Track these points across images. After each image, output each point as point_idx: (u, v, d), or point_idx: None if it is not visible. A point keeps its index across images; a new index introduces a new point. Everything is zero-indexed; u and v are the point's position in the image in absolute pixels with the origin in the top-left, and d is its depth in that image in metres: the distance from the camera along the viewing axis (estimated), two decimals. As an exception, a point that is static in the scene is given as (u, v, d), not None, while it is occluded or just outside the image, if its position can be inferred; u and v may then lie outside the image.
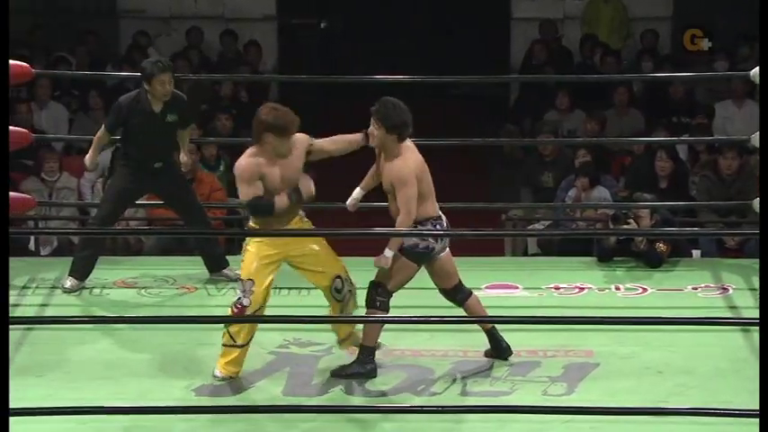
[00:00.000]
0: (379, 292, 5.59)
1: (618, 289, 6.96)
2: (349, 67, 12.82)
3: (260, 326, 5.93)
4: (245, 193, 5.47)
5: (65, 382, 5.62)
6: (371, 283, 5.63)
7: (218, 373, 5.64)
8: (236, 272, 6.98)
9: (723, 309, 6.60)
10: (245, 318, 5.56)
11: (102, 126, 6.84)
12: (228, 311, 5.63)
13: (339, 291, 5.70)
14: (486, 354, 5.84)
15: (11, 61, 7.13)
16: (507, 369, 5.75)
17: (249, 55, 11.79)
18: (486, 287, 6.89)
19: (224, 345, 5.63)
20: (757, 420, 4.90)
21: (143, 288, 6.95)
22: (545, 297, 6.80)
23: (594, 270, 7.25)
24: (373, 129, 5.58)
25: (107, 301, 6.77)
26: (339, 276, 5.69)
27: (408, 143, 5.63)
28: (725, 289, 6.92)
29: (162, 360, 5.88)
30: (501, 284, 6.96)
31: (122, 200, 6.90)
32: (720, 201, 8.09)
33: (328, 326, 5.98)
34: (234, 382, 5.61)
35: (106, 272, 7.05)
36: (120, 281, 7.05)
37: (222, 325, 5.68)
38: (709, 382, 5.61)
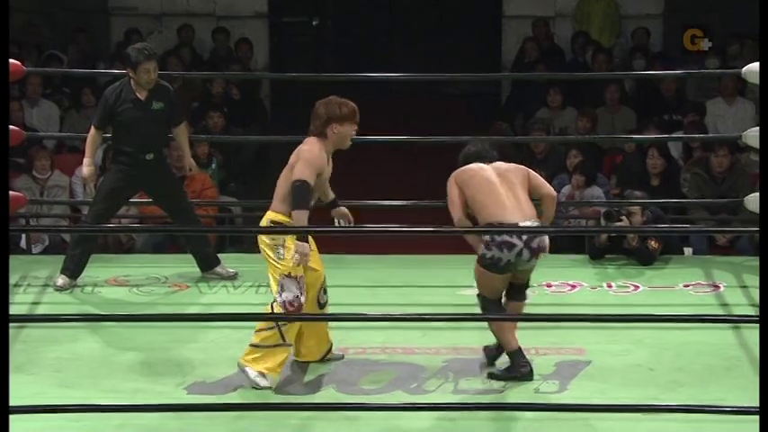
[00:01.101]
0: (481, 300, 5.65)
1: (610, 286, 6.98)
2: (341, 65, 12.84)
3: (250, 323, 5.94)
4: (308, 175, 5.41)
5: (57, 380, 5.62)
6: (478, 296, 5.68)
7: (259, 379, 5.47)
8: (229, 270, 7.01)
9: (714, 306, 6.62)
10: (219, 315, 5.56)
11: (92, 126, 6.83)
12: (278, 309, 5.49)
13: (326, 291, 5.71)
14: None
15: (3, 59, 7.10)
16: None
17: (241, 52, 11.78)
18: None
19: (270, 346, 5.47)
20: (748, 417, 4.91)
21: (135, 286, 6.95)
22: (537, 295, 6.78)
23: (586, 268, 7.27)
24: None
25: (99, 299, 6.77)
26: (325, 278, 5.71)
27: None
28: (716, 286, 6.93)
29: (154, 358, 5.88)
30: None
31: (115, 198, 6.90)
32: (711, 198, 8.11)
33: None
34: (226, 381, 5.60)
35: (98, 270, 7.04)
36: (112, 279, 7.05)
37: (261, 324, 5.52)
38: (701, 379, 5.63)
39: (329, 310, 5.81)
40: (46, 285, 6.87)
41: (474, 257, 5.61)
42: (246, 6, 12.46)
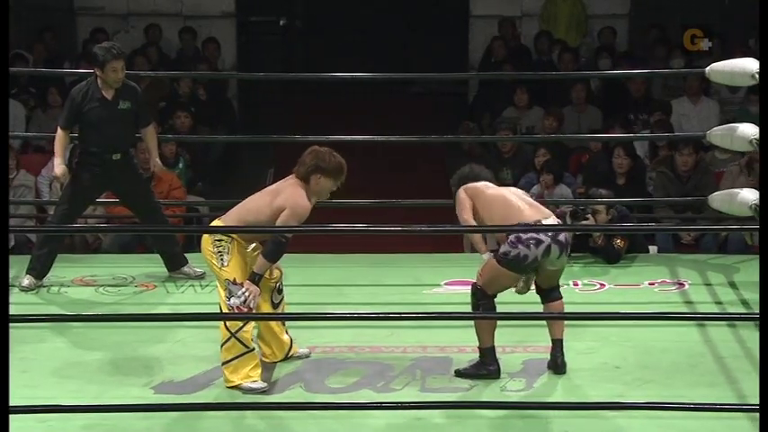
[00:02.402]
0: (480, 297, 5.63)
1: (576, 285, 7.01)
2: (308, 64, 12.84)
3: (219, 322, 5.93)
4: (289, 224, 5.41)
5: (22, 381, 5.58)
6: (473, 287, 5.66)
7: (252, 384, 5.47)
8: (196, 269, 7.00)
9: (680, 304, 6.66)
10: (186, 315, 5.58)
11: (59, 128, 6.79)
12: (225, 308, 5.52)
13: (280, 291, 5.71)
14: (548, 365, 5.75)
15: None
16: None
17: (208, 52, 11.75)
18: (446, 283, 6.92)
19: (236, 357, 5.46)
20: (712, 414, 4.97)
21: (101, 286, 6.93)
22: (504, 293, 6.80)
23: (553, 266, 7.28)
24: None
25: (65, 300, 6.74)
26: (281, 274, 5.72)
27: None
28: (681, 284, 6.98)
29: (121, 358, 5.86)
30: (460, 281, 6.98)
31: (81, 199, 6.87)
32: (677, 197, 8.16)
33: (287, 323, 5.97)
34: (193, 380, 5.60)
35: (64, 270, 7.01)
36: (79, 279, 7.02)
37: (221, 338, 5.51)
38: (666, 376, 5.66)
39: (287, 308, 5.81)
40: (11, 285, 6.83)
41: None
42: (213, 6, 12.43)
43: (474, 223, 5.70)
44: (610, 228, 7.53)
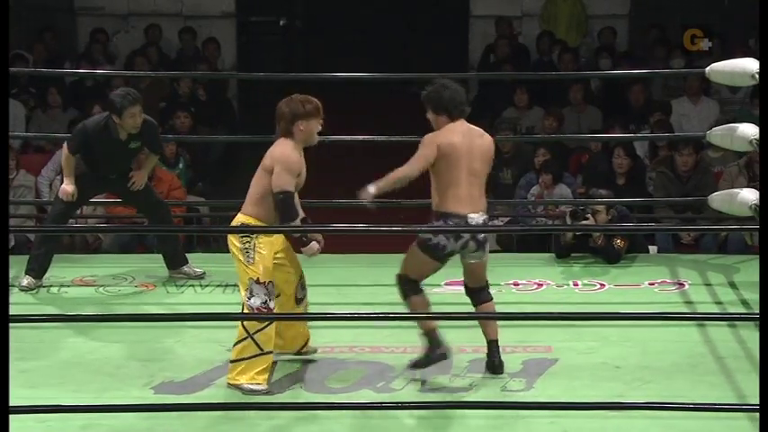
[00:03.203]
0: (404, 283, 5.62)
1: (576, 285, 7.01)
2: (308, 64, 12.84)
3: (219, 323, 5.94)
4: (289, 182, 5.41)
5: (22, 381, 5.58)
6: (396, 276, 5.64)
7: (254, 386, 5.48)
8: (196, 269, 6.99)
9: (680, 304, 6.66)
10: (186, 315, 5.59)
11: (66, 149, 6.78)
12: (245, 308, 5.50)
13: (304, 287, 5.71)
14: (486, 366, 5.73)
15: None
16: (466, 365, 5.77)
17: (208, 52, 11.76)
18: (446, 283, 6.91)
19: (249, 357, 5.46)
20: (713, 414, 4.97)
21: (101, 286, 6.93)
22: (504, 293, 6.83)
23: (553, 266, 7.30)
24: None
25: (65, 300, 6.74)
26: (303, 274, 5.72)
27: (464, 126, 5.63)
28: (681, 284, 6.98)
29: (120, 358, 5.86)
30: (460, 281, 6.96)
31: (76, 198, 6.86)
32: (677, 197, 8.16)
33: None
34: (193, 380, 5.60)
35: (64, 270, 7.01)
36: (79, 279, 7.02)
37: (236, 336, 5.50)
38: (666, 376, 5.66)
39: (309, 304, 5.81)
40: (11, 285, 6.83)
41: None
42: (214, 6, 12.43)
43: (405, 177, 5.50)
44: (610, 228, 7.53)
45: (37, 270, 6.83)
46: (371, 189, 5.48)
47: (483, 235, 5.61)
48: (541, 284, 7.00)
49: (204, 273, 6.98)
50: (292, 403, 5.39)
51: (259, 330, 5.45)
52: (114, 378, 5.64)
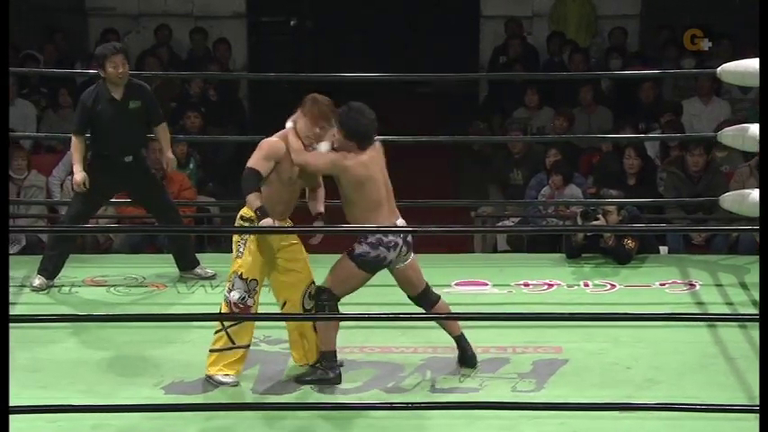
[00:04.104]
0: (325, 298, 5.55)
1: (586, 285, 7.00)
2: (318, 65, 12.84)
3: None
4: (256, 162, 5.44)
5: (33, 381, 5.60)
6: (317, 288, 5.59)
7: (222, 377, 5.53)
8: (207, 270, 7.00)
9: (690, 304, 6.65)
10: (196, 315, 5.72)
11: (73, 134, 6.79)
12: (224, 309, 5.56)
13: (312, 297, 5.64)
14: (459, 361, 5.76)
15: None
16: (476, 365, 5.77)
17: (219, 52, 11.77)
18: (456, 284, 6.92)
19: (220, 349, 5.53)
20: (723, 415, 4.96)
21: (112, 286, 6.94)
22: (514, 294, 6.83)
23: (563, 267, 7.29)
24: (334, 131, 5.53)
25: (76, 300, 6.75)
26: (313, 282, 5.67)
27: (373, 153, 5.56)
28: (692, 285, 6.97)
29: (131, 358, 5.87)
30: (470, 281, 6.99)
31: (93, 199, 6.88)
32: (687, 197, 8.15)
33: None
34: (203, 381, 5.60)
35: (75, 270, 7.02)
36: (90, 279, 7.03)
37: (214, 328, 5.57)
38: (677, 377, 5.65)
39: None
40: (23, 286, 6.85)
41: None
42: (224, 6, 12.44)
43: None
44: (620, 228, 7.52)
45: (50, 270, 6.84)
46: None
47: (410, 238, 5.56)
48: (552, 285, 7.00)
49: (215, 274, 6.98)
50: (302, 403, 5.39)
51: (233, 324, 5.52)
52: (125, 378, 5.66)
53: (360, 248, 5.47)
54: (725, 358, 5.83)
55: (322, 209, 5.69)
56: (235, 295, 5.49)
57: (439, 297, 5.73)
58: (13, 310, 6.52)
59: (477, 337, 5.95)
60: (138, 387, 5.55)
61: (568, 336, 6.05)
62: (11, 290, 6.76)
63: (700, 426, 5.06)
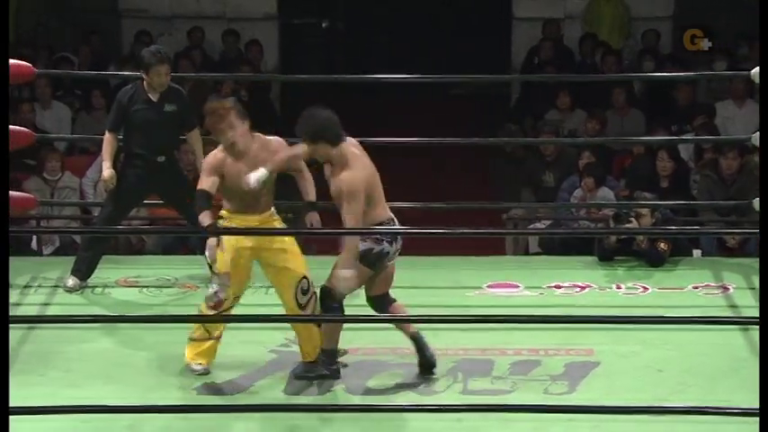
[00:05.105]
0: (331, 297, 5.55)
1: (619, 288, 6.98)
2: (350, 66, 12.85)
3: (260, 324, 5.96)
4: (200, 181, 5.64)
5: (67, 381, 5.64)
6: (322, 288, 5.58)
7: (196, 366, 5.68)
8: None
9: (724, 308, 6.62)
10: (239, 316, 5.72)
11: (106, 131, 6.84)
12: (202, 306, 5.66)
13: (305, 292, 5.66)
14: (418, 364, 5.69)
15: (12, 61, 7.15)
16: (508, 368, 5.77)
17: (251, 54, 11.80)
18: (488, 286, 6.91)
19: (197, 339, 5.69)
20: (756, 419, 4.91)
21: (145, 287, 6.97)
22: (546, 296, 6.81)
23: (595, 269, 7.26)
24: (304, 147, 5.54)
25: (109, 300, 6.79)
26: (306, 277, 5.67)
27: (353, 148, 5.54)
28: (725, 288, 6.93)
29: (164, 359, 5.89)
30: (502, 284, 6.98)
31: (126, 201, 6.91)
32: (721, 200, 8.11)
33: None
34: (235, 382, 5.62)
35: (108, 271, 7.06)
36: (122, 280, 7.06)
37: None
38: (710, 380, 5.63)
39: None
40: (56, 286, 6.89)
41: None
42: (256, 8, 12.48)
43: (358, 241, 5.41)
44: (652, 231, 7.48)
45: (83, 271, 6.88)
46: (347, 273, 5.38)
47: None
48: (584, 287, 6.97)
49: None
50: (333, 405, 5.40)
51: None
52: (157, 379, 5.68)
53: (363, 245, 5.45)
54: (758, 362, 5.78)
55: (312, 197, 5.73)
56: (209, 290, 5.62)
57: (394, 301, 5.67)
58: (48, 311, 6.57)
59: (509, 339, 5.95)
60: (170, 388, 5.58)
61: (600, 338, 6.03)
62: (45, 291, 6.82)
63: (732, 429, 5.02)
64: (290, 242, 5.67)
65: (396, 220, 5.61)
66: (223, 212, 5.66)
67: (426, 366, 5.66)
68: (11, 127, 7.21)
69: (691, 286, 6.95)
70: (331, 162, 5.48)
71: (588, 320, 5.93)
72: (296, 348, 5.84)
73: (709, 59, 10.73)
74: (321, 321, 5.65)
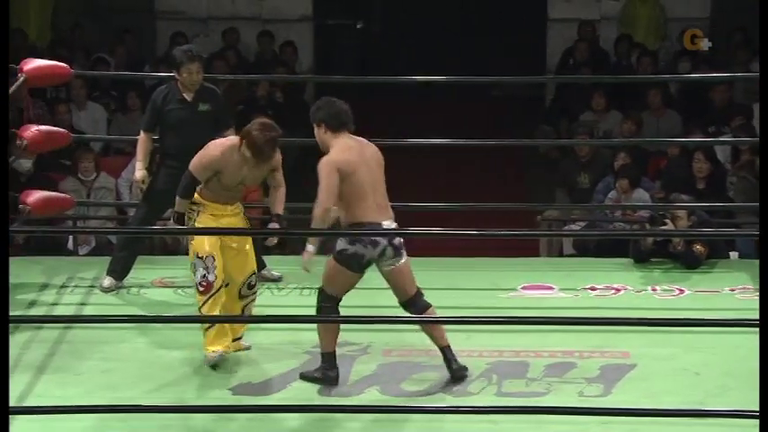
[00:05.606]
0: (322, 298, 5.57)
1: (654, 290, 6.94)
2: (385, 67, 12.85)
3: (296, 325, 5.96)
4: (195, 167, 5.76)
5: (103, 381, 5.66)
6: (318, 288, 5.61)
7: (211, 355, 5.71)
8: (274, 273, 7.03)
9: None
10: (254, 318, 5.89)
11: (141, 131, 6.87)
12: (196, 293, 5.74)
13: (251, 287, 5.84)
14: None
15: (50, 62, 7.20)
16: (543, 370, 5.75)
17: (285, 55, 11.83)
18: (522, 288, 6.89)
19: (205, 329, 5.77)
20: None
21: (180, 287, 6.98)
22: (581, 298, 6.78)
23: (631, 271, 7.22)
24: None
25: (145, 301, 6.81)
26: (255, 273, 5.87)
27: (352, 141, 5.59)
28: (763, 291, 6.87)
29: (199, 359, 5.90)
30: (537, 285, 6.95)
31: (160, 202, 6.92)
32: (758, 202, 8.04)
33: (363, 326, 5.99)
34: (270, 382, 5.63)
35: (144, 271, 7.08)
36: (158, 280, 7.08)
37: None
38: (748, 383, 5.56)
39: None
40: (92, 286, 6.92)
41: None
42: (292, 10, 12.51)
43: (331, 210, 5.46)
44: (688, 233, 7.43)
45: (119, 272, 6.91)
46: (310, 248, 5.48)
47: (399, 240, 5.50)
48: (619, 289, 6.94)
49: (282, 276, 7.01)
50: (368, 406, 5.39)
51: (204, 303, 5.72)
52: (193, 379, 5.70)
53: (339, 244, 5.47)
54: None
55: (280, 210, 5.87)
56: (197, 276, 5.68)
57: (428, 305, 5.63)
58: (84, 311, 6.61)
59: (544, 341, 5.92)
60: (206, 388, 5.59)
61: (636, 340, 5.99)
62: (81, 291, 6.86)
63: (771, 433, 4.98)
64: (249, 240, 5.89)
65: (385, 225, 5.48)
66: (197, 198, 5.79)
67: (456, 378, 5.62)
68: (50, 128, 7.29)
69: (727, 289, 6.90)
70: (328, 149, 5.58)
71: (624, 323, 5.90)
72: (336, 349, 5.81)
73: (747, 60, 10.66)
74: (337, 322, 5.64)
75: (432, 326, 5.61)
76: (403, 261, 5.57)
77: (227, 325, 5.77)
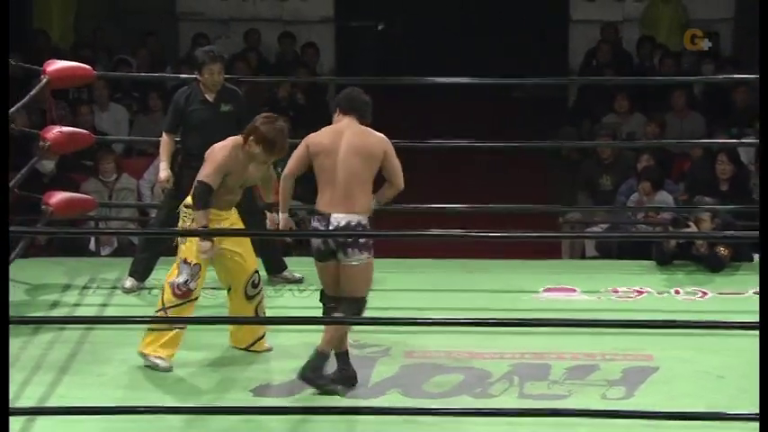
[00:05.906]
0: (321, 297, 5.58)
1: (678, 293, 6.90)
2: (406, 69, 12.83)
3: (315, 327, 5.94)
4: (207, 175, 5.66)
5: (125, 381, 5.67)
6: (321, 290, 5.60)
7: (155, 359, 5.69)
8: (295, 274, 7.03)
9: (785, 313, 6.51)
10: (259, 319, 5.89)
11: (163, 132, 6.88)
12: (167, 293, 5.70)
13: (256, 285, 5.85)
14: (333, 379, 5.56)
15: (74, 63, 7.21)
16: (565, 372, 5.72)
17: (307, 57, 11.83)
18: (544, 290, 6.87)
19: (158, 328, 5.71)
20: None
21: (201, 289, 6.97)
22: (603, 300, 6.76)
23: (654, 274, 7.20)
24: None
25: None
26: (257, 271, 5.87)
27: (344, 127, 5.60)
28: (787, 293, 6.82)
29: (220, 361, 5.91)
30: (559, 288, 6.93)
31: (180, 203, 6.93)
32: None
33: (384, 327, 5.98)
34: (291, 384, 5.61)
35: (165, 272, 7.08)
36: (179, 281, 7.08)
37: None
38: (771, 387, 5.54)
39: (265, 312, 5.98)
40: (114, 288, 6.93)
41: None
42: (313, 11, 12.52)
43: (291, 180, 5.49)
44: (711, 235, 7.39)
45: (140, 272, 6.92)
46: (282, 216, 5.54)
47: (361, 241, 5.35)
48: (642, 292, 6.91)
49: (303, 277, 7.00)
50: (389, 408, 5.37)
51: (174, 306, 5.68)
52: (214, 380, 5.69)
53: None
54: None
55: (275, 199, 5.81)
56: (180, 279, 5.66)
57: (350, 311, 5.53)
58: (105, 312, 6.62)
59: (566, 343, 5.90)
60: (226, 389, 5.59)
61: (659, 343, 5.96)
62: (103, 292, 6.87)
63: (795, 437, 4.94)
64: (246, 240, 5.87)
65: (337, 221, 5.36)
66: (190, 201, 5.75)
67: (344, 381, 5.55)
68: (72, 129, 7.32)
69: (751, 291, 6.85)
70: None
71: (647, 325, 5.87)
72: (358, 352, 5.82)
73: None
74: (345, 323, 5.60)
75: (334, 329, 5.48)
76: (354, 264, 5.38)
77: (179, 337, 5.73)
